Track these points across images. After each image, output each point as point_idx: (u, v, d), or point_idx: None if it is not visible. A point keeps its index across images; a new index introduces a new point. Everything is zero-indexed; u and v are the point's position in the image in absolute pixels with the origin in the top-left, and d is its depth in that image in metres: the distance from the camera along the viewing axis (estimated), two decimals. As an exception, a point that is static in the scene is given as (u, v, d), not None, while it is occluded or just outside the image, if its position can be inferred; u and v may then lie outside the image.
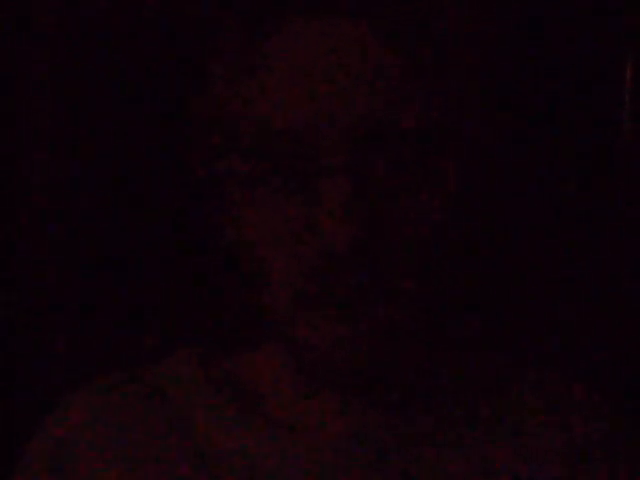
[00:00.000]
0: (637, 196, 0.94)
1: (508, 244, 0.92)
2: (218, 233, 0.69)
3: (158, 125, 0.93)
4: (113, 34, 0.94)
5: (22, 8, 0.96)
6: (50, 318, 0.96)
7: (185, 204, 0.88)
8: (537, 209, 0.94)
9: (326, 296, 0.62)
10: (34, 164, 0.96)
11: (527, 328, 0.92)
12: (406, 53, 0.63)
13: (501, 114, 0.69)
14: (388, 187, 0.62)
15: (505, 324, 0.91)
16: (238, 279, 0.68)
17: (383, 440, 0.67)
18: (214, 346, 0.74)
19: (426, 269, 0.64)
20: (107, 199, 0.95)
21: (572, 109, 0.94)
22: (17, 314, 0.96)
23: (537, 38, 0.92)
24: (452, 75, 0.65)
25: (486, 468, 0.66)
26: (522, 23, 0.91)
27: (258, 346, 0.73)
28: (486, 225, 0.72)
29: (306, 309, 0.62)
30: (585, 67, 0.93)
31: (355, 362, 0.63)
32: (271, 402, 0.70)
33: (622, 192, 0.94)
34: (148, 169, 0.94)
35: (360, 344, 0.62)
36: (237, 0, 0.65)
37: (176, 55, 0.91)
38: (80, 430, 0.70)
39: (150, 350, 0.78)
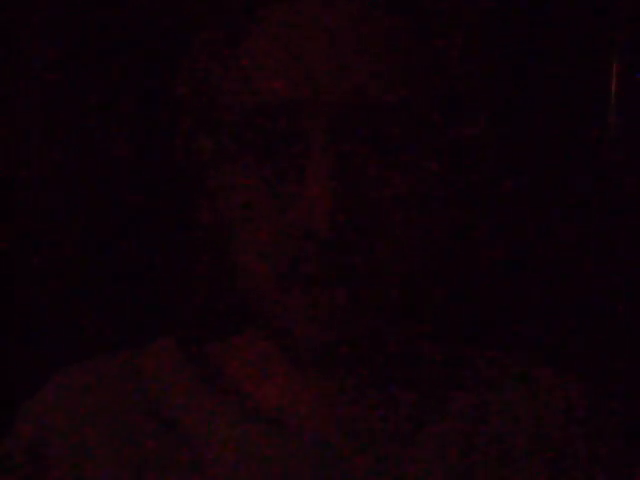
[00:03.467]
0: (625, 194, 0.94)
1: (499, 233, 0.91)
2: (198, 216, 0.69)
3: (136, 106, 0.93)
4: (90, 13, 0.94)
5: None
6: (30, 301, 0.96)
7: (166, 188, 0.88)
8: (528, 200, 0.93)
9: (306, 277, 0.61)
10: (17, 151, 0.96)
11: (519, 322, 0.91)
12: (396, 26, 0.62)
13: (491, 99, 0.68)
14: (372, 166, 0.61)
15: (496, 316, 0.90)
16: (219, 263, 0.67)
17: (360, 435, 0.66)
18: (195, 332, 0.74)
19: (411, 251, 0.63)
20: (86, 184, 0.95)
21: (558, 105, 0.93)
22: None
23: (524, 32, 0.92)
24: (444, 52, 0.64)
25: (465, 469, 0.65)
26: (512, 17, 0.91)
27: (239, 332, 0.72)
28: (478, 213, 0.71)
29: (285, 290, 0.61)
30: (570, 65, 0.93)
31: (334, 344, 0.62)
32: (250, 389, 0.69)
33: (609, 189, 0.94)
34: (126, 152, 0.94)
35: (340, 325, 0.61)
36: None
37: (158, 33, 0.90)
38: (58, 417, 0.69)
39: (130, 336, 0.78)
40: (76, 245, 0.95)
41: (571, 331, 0.92)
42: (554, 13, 0.92)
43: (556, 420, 0.68)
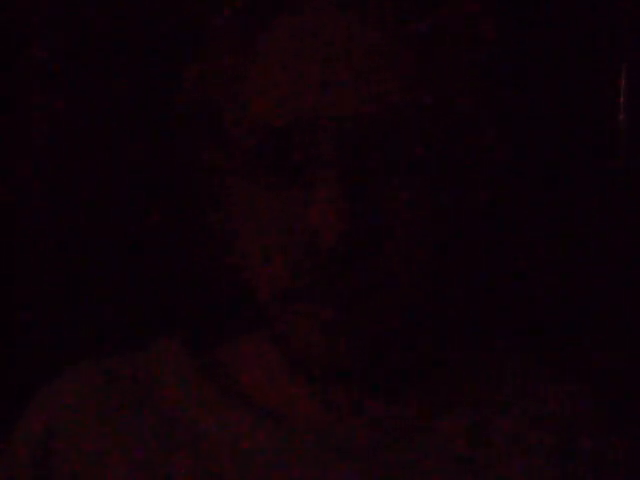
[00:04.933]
0: (633, 196, 0.94)
1: (504, 243, 0.91)
2: (205, 221, 0.69)
3: (149, 116, 0.93)
4: (100, 25, 0.94)
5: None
6: (35, 302, 0.96)
7: (176, 194, 0.89)
8: (533, 206, 0.93)
9: (311, 291, 0.61)
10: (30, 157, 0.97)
11: (521, 326, 0.91)
12: (402, 45, 0.62)
13: (497, 112, 0.68)
14: (378, 183, 0.61)
15: (498, 322, 0.90)
16: (226, 267, 0.68)
17: (363, 433, 0.66)
18: (200, 332, 0.74)
19: (417, 266, 0.63)
20: (92, 186, 0.95)
21: (568, 108, 0.93)
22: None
23: (533, 36, 0.92)
24: (450, 69, 0.64)
25: (466, 466, 0.65)
26: (519, 21, 0.91)
27: (245, 333, 0.73)
28: (481, 223, 0.72)
29: (291, 303, 0.62)
30: (580, 68, 0.93)
31: (338, 356, 0.62)
32: (255, 389, 0.69)
33: (619, 192, 0.94)
34: (138, 158, 0.94)
35: (342, 337, 0.61)
36: None
37: (167, 48, 0.91)
38: (65, 415, 0.70)
39: (136, 334, 0.78)
40: (81, 247, 0.95)
41: (571, 331, 0.93)
42: (560, 16, 0.92)
43: (560, 419, 0.68)
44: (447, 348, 0.73)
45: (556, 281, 0.94)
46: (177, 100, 0.68)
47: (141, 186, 0.94)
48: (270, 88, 0.61)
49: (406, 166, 0.61)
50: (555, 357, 0.81)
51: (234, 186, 0.65)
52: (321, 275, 0.60)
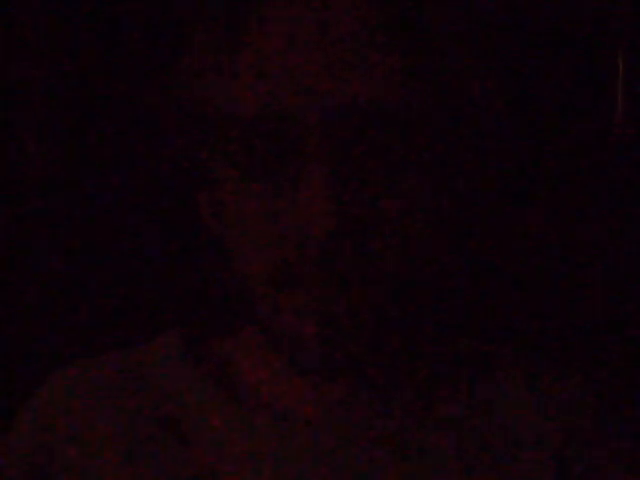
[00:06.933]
0: (629, 190, 0.93)
1: (496, 234, 0.91)
2: (198, 217, 0.69)
3: (136, 106, 0.92)
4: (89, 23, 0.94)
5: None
6: (35, 300, 0.96)
7: (168, 189, 0.88)
8: (524, 197, 0.93)
9: (301, 283, 0.61)
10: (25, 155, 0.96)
11: (516, 317, 0.91)
12: (391, 35, 0.61)
13: (490, 101, 0.67)
14: (368, 174, 0.61)
15: (492, 313, 0.90)
16: (221, 261, 0.68)
17: (358, 428, 0.66)
18: (199, 328, 0.74)
19: (407, 257, 0.63)
20: (92, 185, 0.95)
21: (565, 104, 0.93)
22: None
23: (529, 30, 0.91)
24: (440, 60, 0.64)
25: (466, 460, 0.66)
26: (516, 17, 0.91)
27: (241, 328, 0.73)
28: (473, 213, 0.71)
29: (281, 295, 0.62)
30: (577, 62, 0.92)
31: (328, 349, 0.62)
32: (254, 384, 0.69)
33: (614, 185, 0.93)
34: (135, 154, 0.94)
35: (332, 328, 0.61)
36: None
37: (155, 37, 0.90)
38: (64, 412, 0.70)
39: (135, 333, 0.78)
40: (80, 246, 0.95)
41: (571, 331, 0.93)
42: (557, 13, 0.91)
43: (560, 414, 0.68)
44: (442, 340, 0.73)
45: (556, 274, 0.94)
46: (167, 95, 0.68)
47: (139, 184, 0.94)
48: (256, 79, 0.61)
49: (393, 157, 0.61)
50: (553, 351, 0.81)
51: (224, 179, 0.64)
52: (310, 268, 0.60)
